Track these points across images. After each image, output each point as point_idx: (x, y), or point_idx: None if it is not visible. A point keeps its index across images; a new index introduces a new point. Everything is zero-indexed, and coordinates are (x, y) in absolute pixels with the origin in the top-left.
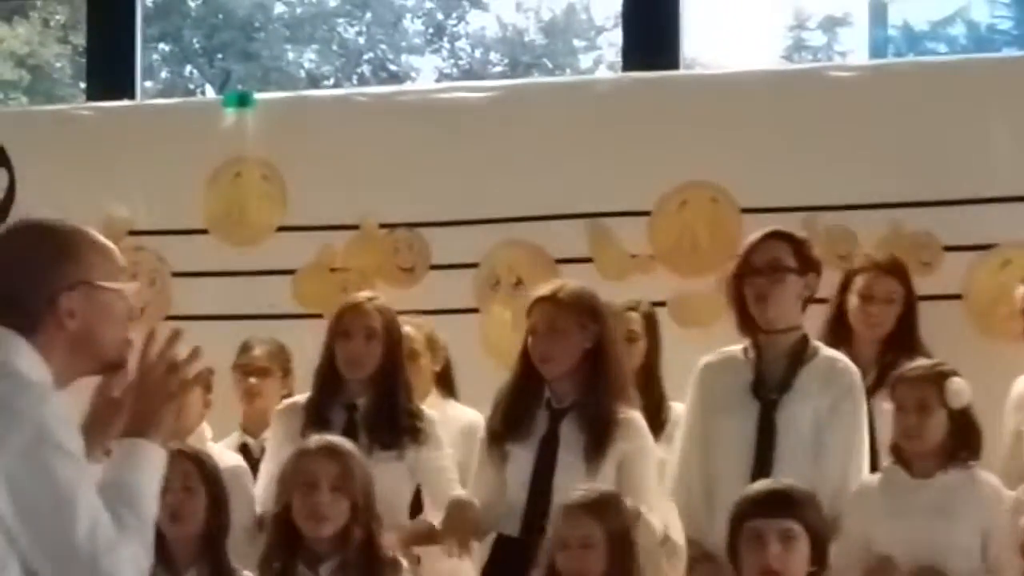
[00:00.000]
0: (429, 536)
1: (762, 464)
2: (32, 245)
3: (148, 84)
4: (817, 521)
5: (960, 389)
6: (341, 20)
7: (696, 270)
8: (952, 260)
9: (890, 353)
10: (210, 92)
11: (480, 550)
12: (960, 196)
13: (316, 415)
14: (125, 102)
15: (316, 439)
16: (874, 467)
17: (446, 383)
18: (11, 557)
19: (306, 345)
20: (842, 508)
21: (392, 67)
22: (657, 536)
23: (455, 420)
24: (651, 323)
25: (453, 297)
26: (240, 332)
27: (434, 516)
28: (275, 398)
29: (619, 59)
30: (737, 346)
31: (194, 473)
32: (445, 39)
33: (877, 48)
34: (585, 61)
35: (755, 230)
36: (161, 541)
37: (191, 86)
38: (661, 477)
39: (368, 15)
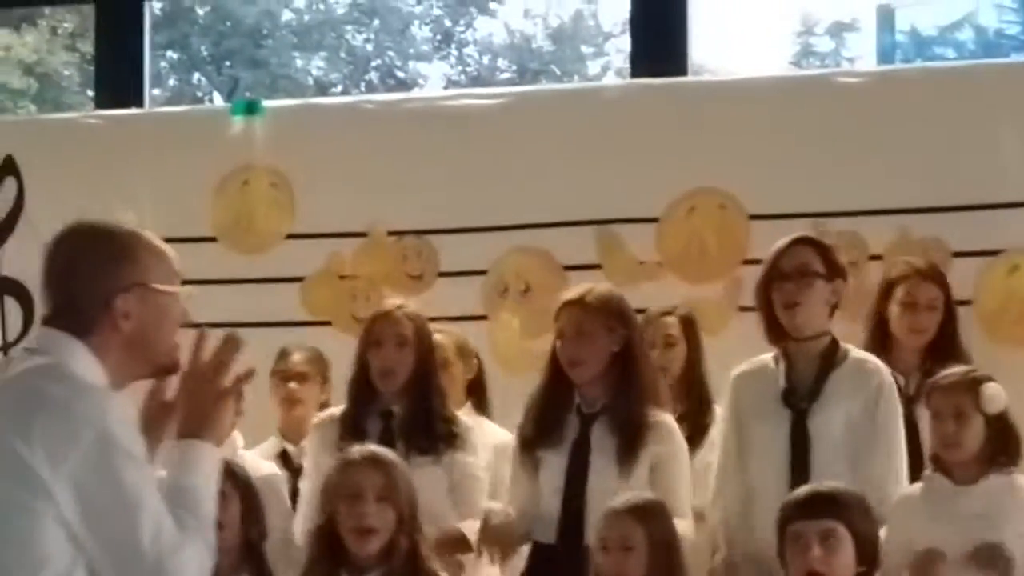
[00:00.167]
0: (460, 543)
1: (799, 472)
2: (88, 247)
3: (156, 92)
4: (862, 522)
5: (995, 394)
6: (349, 27)
7: (704, 277)
8: (961, 266)
9: (932, 360)
10: (218, 100)
11: (516, 559)
12: (968, 202)
13: (352, 426)
14: (133, 110)
15: (359, 449)
16: (918, 474)
17: (479, 393)
18: (79, 562)
19: None
20: (886, 510)
21: (400, 74)
22: (689, 542)
23: (486, 439)
24: (690, 327)
25: (461, 304)
26: (249, 340)
27: (457, 521)
28: (314, 404)
29: (627, 65)
30: (768, 355)
31: (226, 483)
32: (453, 46)
33: (885, 54)
34: (593, 67)
35: (763, 236)
36: None
37: (199, 94)
38: (705, 481)
39: (376, 22)
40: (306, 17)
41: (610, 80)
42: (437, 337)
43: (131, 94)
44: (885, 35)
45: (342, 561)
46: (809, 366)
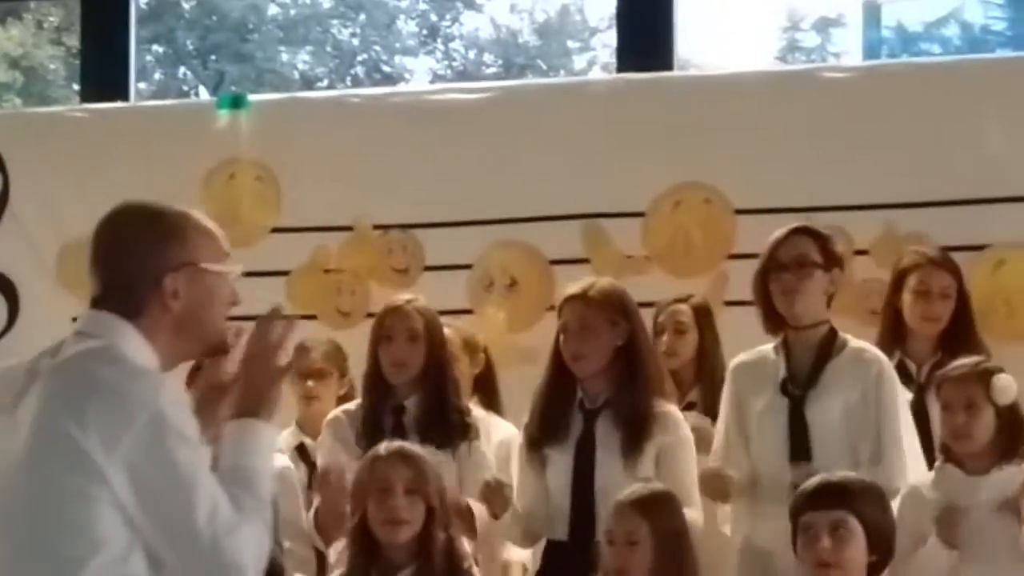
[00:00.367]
0: (466, 518)
1: (798, 459)
2: (138, 227)
3: (142, 86)
4: (874, 512)
5: (1007, 385)
6: (335, 21)
7: (690, 271)
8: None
9: (945, 349)
10: (204, 94)
11: (532, 557)
12: (954, 197)
13: (371, 422)
14: (119, 104)
15: (386, 445)
16: (929, 462)
17: (486, 387)
18: (135, 545)
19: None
20: (888, 486)
21: (386, 68)
22: (698, 529)
23: (492, 435)
24: (703, 315)
25: (447, 298)
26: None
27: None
28: (332, 399)
29: (613, 60)
30: (768, 345)
31: None
32: (439, 40)
33: (871, 49)
34: (579, 62)
35: (749, 231)
36: None
37: (185, 88)
38: None
39: (362, 16)
40: (292, 11)
41: (596, 75)
42: (445, 331)
43: (117, 88)
44: (871, 30)
45: (377, 557)
46: (807, 354)
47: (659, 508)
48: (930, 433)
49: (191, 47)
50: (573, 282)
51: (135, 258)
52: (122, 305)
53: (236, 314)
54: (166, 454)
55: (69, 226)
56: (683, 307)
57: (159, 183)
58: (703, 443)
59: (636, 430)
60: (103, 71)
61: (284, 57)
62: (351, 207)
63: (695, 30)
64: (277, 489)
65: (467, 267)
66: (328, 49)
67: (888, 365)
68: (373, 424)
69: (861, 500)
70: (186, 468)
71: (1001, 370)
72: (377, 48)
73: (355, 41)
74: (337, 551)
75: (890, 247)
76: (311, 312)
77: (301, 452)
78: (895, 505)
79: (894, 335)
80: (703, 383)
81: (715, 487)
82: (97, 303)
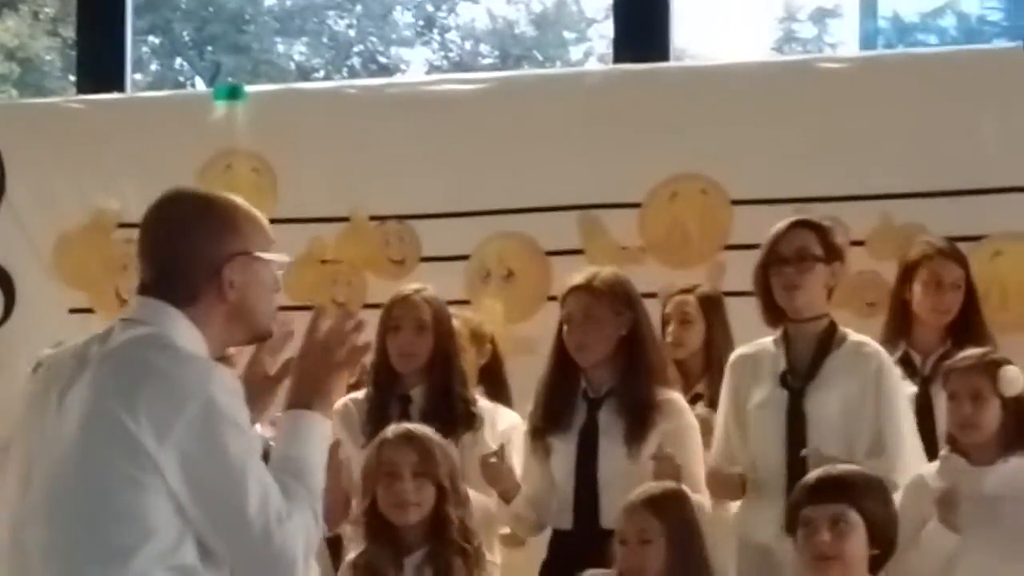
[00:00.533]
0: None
1: (795, 453)
2: (192, 215)
3: (138, 77)
4: (875, 505)
5: (1014, 377)
6: (331, 12)
7: (687, 262)
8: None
9: (953, 340)
10: (200, 85)
11: (538, 546)
12: (951, 187)
13: (377, 411)
14: (115, 95)
15: (393, 428)
16: (932, 453)
17: (493, 378)
18: (186, 534)
19: (296, 337)
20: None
21: (382, 59)
22: (706, 514)
23: (497, 423)
24: (710, 305)
25: (444, 289)
26: None
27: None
28: (342, 388)
29: (610, 51)
30: (768, 338)
31: None
32: (435, 31)
33: (867, 40)
34: (575, 53)
35: (745, 222)
36: None
37: (181, 79)
38: None
39: (358, 7)
40: (288, 2)
41: (592, 66)
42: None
43: (113, 79)
44: (867, 21)
45: (391, 540)
46: (807, 347)
47: (671, 505)
48: (934, 425)
49: (187, 38)
50: (570, 273)
51: (190, 246)
52: (174, 292)
53: None
54: (218, 442)
55: (65, 217)
56: (689, 298)
57: (155, 174)
58: (710, 435)
59: (639, 418)
60: (99, 62)
61: (280, 48)
62: (347, 198)
63: (691, 21)
64: None
65: (464, 258)
66: (324, 40)
67: (888, 359)
68: (379, 413)
69: (862, 493)
70: (238, 456)
71: (1009, 362)
72: (373, 39)
73: (351, 32)
74: (348, 535)
75: (886, 238)
76: (307, 303)
77: None
78: (899, 496)
79: (900, 326)
80: (710, 374)
81: (728, 487)
82: (147, 290)
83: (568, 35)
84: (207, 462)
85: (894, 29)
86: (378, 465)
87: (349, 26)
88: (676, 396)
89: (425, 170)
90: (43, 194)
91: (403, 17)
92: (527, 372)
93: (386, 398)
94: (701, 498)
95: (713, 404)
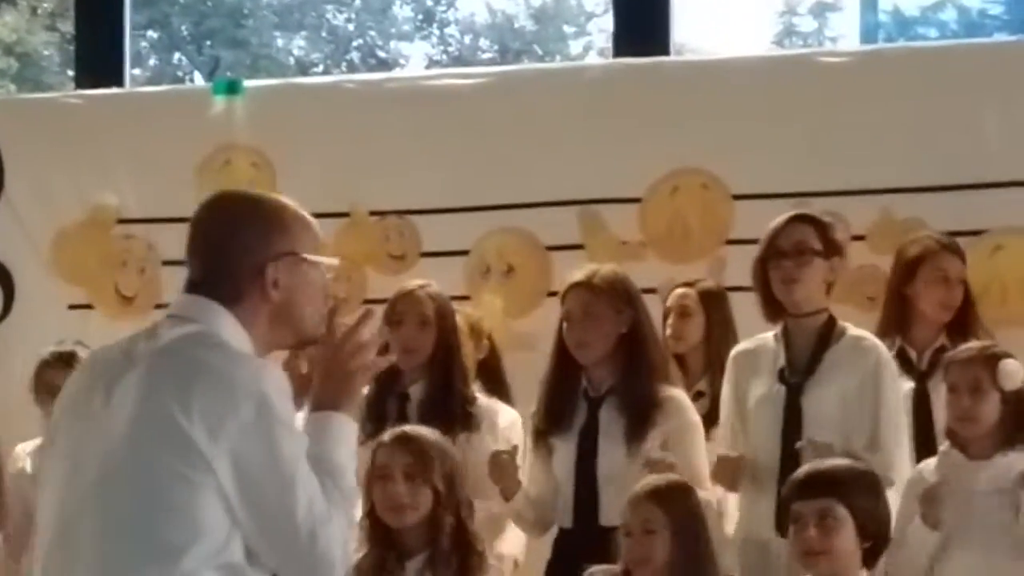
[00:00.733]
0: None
1: (790, 448)
2: (241, 214)
3: (136, 71)
4: (864, 499)
5: (1014, 370)
6: (330, 7)
7: (687, 256)
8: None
9: (951, 335)
10: (199, 79)
11: (542, 545)
12: (951, 182)
13: (375, 408)
14: (114, 90)
15: (391, 431)
16: (929, 448)
17: (491, 373)
18: (235, 534)
19: None
20: (894, 477)
21: (381, 54)
22: (711, 510)
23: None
24: (711, 300)
25: (444, 284)
26: None
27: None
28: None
29: (609, 45)
30: (768, 333)
31: None
32: (434, 25)
33: (868, 34)
34: (575, 47)
35: (746, 216)
36: None
37: (180, 73)
38: None
39: (357, 2)
40: None
41: (592, 60)
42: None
43: (111, 74)
44: (868, 15)
45: (392, 543)
46: (806, 342)
47: (675, 497)
48: (932, 420)
49: (186, 33)
50: (570, 268)
51: (238, 245)
52: (221, 291)
53: None
54: (271, 443)
55: (64, 213)
56: (689, 291)
57: (155, 169)
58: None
59: (639, 417)
60: (98, 57)
61: (279, 43)
62: (347, 193)
63: (691, 15)
64: None
65: (464, 253)
66: (323, 34)
67: (886, 353)
68: (377, 410)
69: (849, 488)
70: (289, 458)
71: (1009, 355)
72: (372, 33)
73: (350, 26)
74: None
75: (887, 233)
76: None
77: None
78: (894, 492)
79: (898, 322)
80: (711, 371)
81: (729, 472)
82: (194, 287)
83: (568, 29)
84: (259, 463)
85: (895, 23)
86: (373, 468)
87: (348, 20)
88: (677, 393)
89: (425, 165)
90: (42, 190)
91: (402, 11)
92: (527, 368)
93: (384, 395)
94: (707, 495)
95: (714, 401)
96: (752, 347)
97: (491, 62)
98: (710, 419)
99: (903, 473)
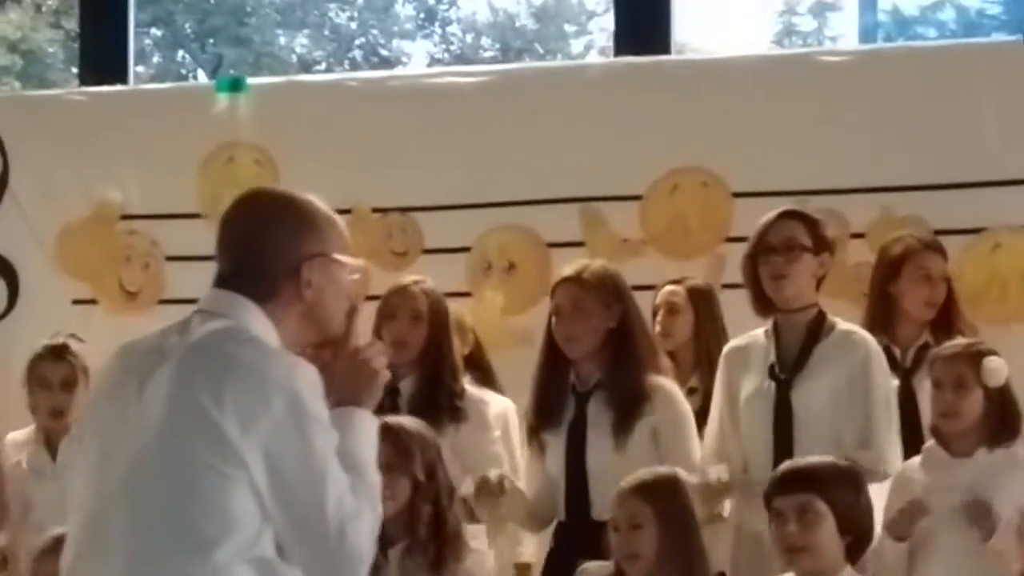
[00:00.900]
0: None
1: (782, 443)
2: (275, 213)
3: (140, 69)
4: (843, 494)
5: (998, 368)
6: (333, 5)
7: (687, 254)
8: (943, 244)
9: (934, 332)
10: (202, 77)
11: (543, 540)
12: (950, 180)
13: None
14: (118, 87)
15: None
16: (917, 446)
17: (478, 365)
18: (266, 527)
19: None
20: (874, 468)
21: (384, 52)
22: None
23: (489, 411)
24: (700, 297)
25: (445, 281)
26: None
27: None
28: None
29: (610, 44)
30: (760, 329)
31: None
32: (436, 24)
33: (867, 33)
34: (576, 46)
35: (746, 214)
36: None
37: (183, 71)
38: None
39: (360, 0)
40: None
41: (593, 59)
42: None
43: (115, 71)
44: (867, 14)
45: None
46: (796, 338)
47: (662, 491)
48: (918, 417)
49: (189, 30)
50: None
51: (272, 243)
52: (253, 287)
53: None
54: (303, 438)
55: (68, 208)
56: (678, 288)
57: (158, 166)
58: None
59: (625, 410)
60: (102, 54)
61: (282, 41)
62: (349, 190)
63: (692, 14)
64: None
65: (465, 250)
66: (326, 33)
67: (876, 347)
68: None
69: (829, 483)
70: (321, 453)
71: (994, 352)
72: (375, 32)
73: (353, 25)
74: None
75: (886, 231)
76: None
77: None
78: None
79: (883, 320)
80: (702, 368)
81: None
82: (224, 283)
83: (569, 28)
84: (291, 457)
85: (894, 22)
86: None
87: (350, 19)
88: (665, 383)
89: (427, 162)
90: (46, 186)
91: (404, 10)
92: (528, 363)
93: None
94: (693, 477)
95: (707, 397)
96: (744, 344)
97: (493, 61)
98: (703, 415)
99: (897, 465)
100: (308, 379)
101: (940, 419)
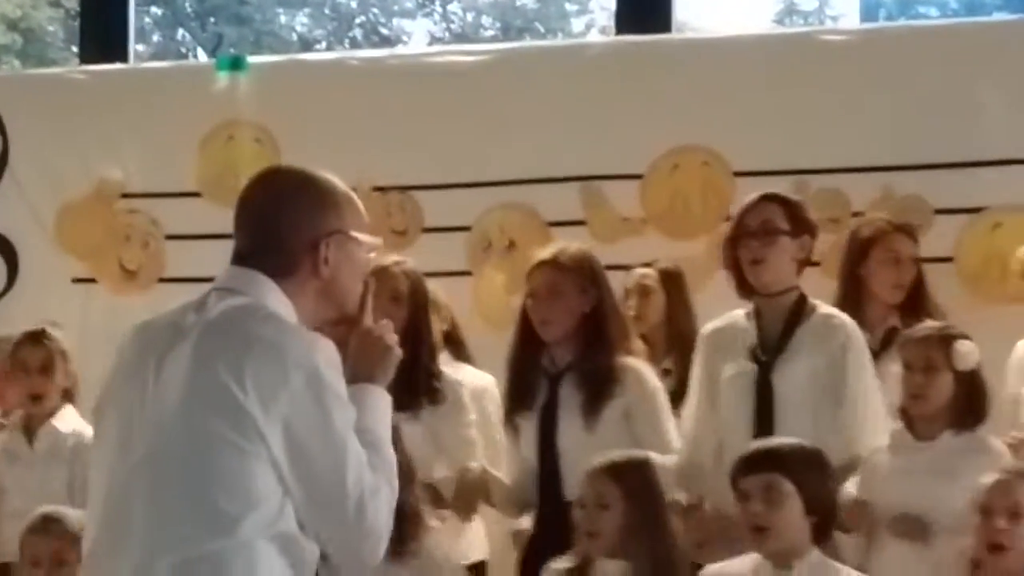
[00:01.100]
0: (436, 500)
1: (762, 425)
2: (294, 190)
3: (140, 48)
4: (809, 474)
5: (968, 352)
6: None
7: (687, 233)
8: (943, 223)
9: (903, 315)
10: (202, 56)
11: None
12: (951, 159)
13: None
14: (118, 65)
15: None
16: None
17: (454, 344)
18: (287, 503)
19: None
20: (859, 456)
21: (384, 31)
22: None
23: (465, 384)
24: (671, 280)
25: (446, 260)
26: None
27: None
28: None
29: (611, 23)
30: (740, 311)
31: None
32: (437, 3)
33: (868, 12)
34: (577, 25)
35: (747, 193)
36: None
37: (183, 50)
38: None
39: None
40: None
41: (594, 37)
42: None
43: (116, 50)
44: None
45: None
46: (776, 321)
47: (630, 472)
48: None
49: (189, 9)
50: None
51: (291, 220)
52: (272, 264)
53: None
54: (322, 413)
55: (68, 187)
56: (648, 271)
57: (158, 144)
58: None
59: (596, 391)
60: (102, 33)
61: (282, 19)
62: (350, 169)
63: None
64: None
65: (466, 229)
66: (326, 11)
67: (856, 330)
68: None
69: (794, 463)
70: (340, 429)
71: (965, 336)
72: (375, 10)
73: (353, 3)
74: None
75: (886, 210)
76: None
77: None
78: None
79: (853, 302)
80: (675, 350)
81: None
82: (242, 260)
83: (570, 7)
84: (311, 432)
85: (895, 1)
86: None
87: None
88: (635, 363)
89: (427, 141)
90: (46, 165)
91: None
92: None
93: None
94: (668, 459)
95: (681, 379)
96: (724, 325)
97: (493, 39)
98: (677, 397)
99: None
100: (327, 355)
101: (909, 401)
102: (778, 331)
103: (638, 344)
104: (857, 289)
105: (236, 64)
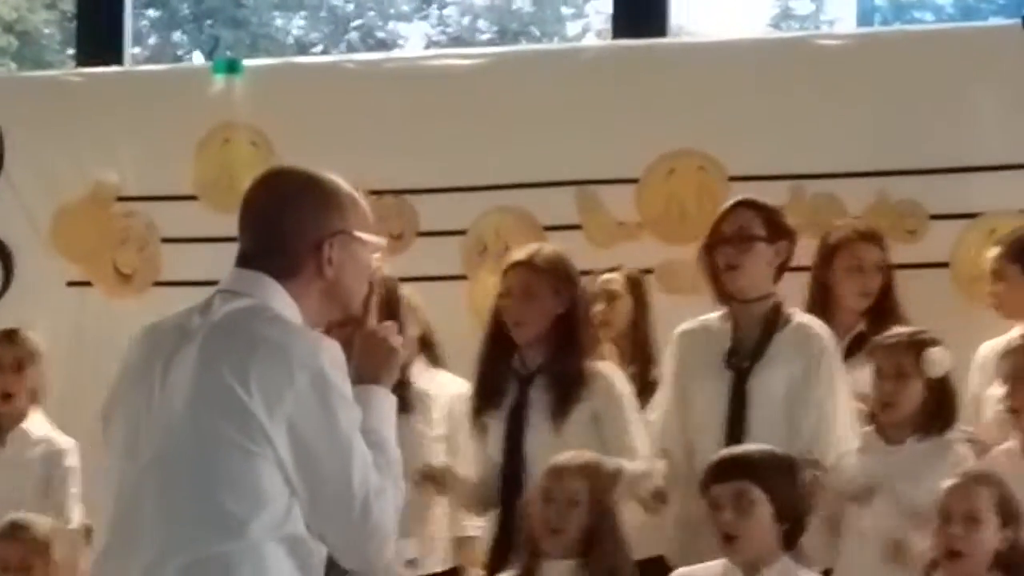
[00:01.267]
0: None
1: (735, 432)
2: (298, 191)
3: (136, 50)
4: (779, 481)
5: (938, 359)
6: None
7: (683, 238)
8: (938, 228)
9: (869, 322)
10: (198, 58)
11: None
12: (946, 164)
13: None
14: (114, 68)
15: None
16: None
17: (429, 349)
18: (294, 504)
19: None
20: (823, 461)
21: (380, 34)
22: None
23: (442, 391)
24: (636, 285)
25: (441, 264)
26: None
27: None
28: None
29: (607, 26)
30: (714, 314)
31: None
32: (433, 6)
33: (864, 16)
34: (573, 28)
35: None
36: None
37: (179, 53)
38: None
39: None
40: None
41: (590, 41)
42: None
43: (111, 52)
44: None
45: None
46: (752, 327)
47: (599, 473)
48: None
49: (186, 12)
50: (567, 248)
51: (294, 220)
52: (276, 265)
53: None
54: (328, 414)
55: (63, 190)
56: (614, 276)
57: (154, 147)
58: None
59: (564, 394)
60: (98, 35)
61: (279, 22)
62: (345, 172)
63: None
64: None
65: (461, 233)
66: (322, 14)
67: (831, 340)
68: None
69: (763, 470)
70: (346, 429)
71: (937, 342)
72: (371, 13)
73: (349, 7)
74: None
75: (882, 215)
76: None
77: None
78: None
79: (821, 309)
80: (638, 357)
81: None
82: (247, 262)
83: (566, 10)
84: (316, 433)
85: (891, 6)
86: None
87: (347, 1)
88: (604, 367)
89: (423, 145)
90: (42, 167)
91: None
92: None
93: None
94: (637, 466)
95: (642, 389)
96: (696, 327)
97: (489, 43)
98: (641, 401)
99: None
100: (332, 356)
101: (879, 407)
102: (754, 338)
103: (609, 348)
104: (824, 295)
105: (232, 67)
